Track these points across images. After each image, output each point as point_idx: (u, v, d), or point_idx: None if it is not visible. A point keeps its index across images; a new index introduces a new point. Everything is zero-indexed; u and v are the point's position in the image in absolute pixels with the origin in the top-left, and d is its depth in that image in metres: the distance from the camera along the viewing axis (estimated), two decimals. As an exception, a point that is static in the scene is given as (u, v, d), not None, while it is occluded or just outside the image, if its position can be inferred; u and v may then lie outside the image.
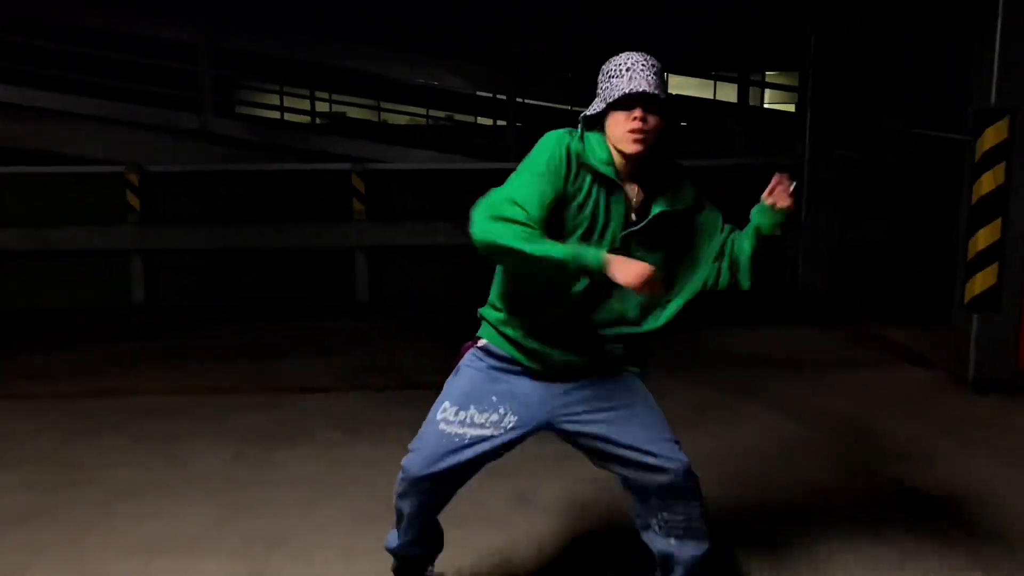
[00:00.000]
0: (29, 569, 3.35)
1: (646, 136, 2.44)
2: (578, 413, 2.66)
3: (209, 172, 8.72)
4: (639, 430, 2.65)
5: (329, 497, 3.98)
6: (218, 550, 3.48)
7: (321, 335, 7.49)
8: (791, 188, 2.56)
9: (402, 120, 16.41)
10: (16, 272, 8.39)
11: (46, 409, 5.36)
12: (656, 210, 2.57)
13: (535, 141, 2.56)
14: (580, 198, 2.51)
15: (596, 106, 2.50)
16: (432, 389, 2.81)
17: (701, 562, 2.77)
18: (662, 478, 2.65)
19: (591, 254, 2.37)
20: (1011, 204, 5.29)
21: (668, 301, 2.71)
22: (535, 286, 2.57)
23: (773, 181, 2.57)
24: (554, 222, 2.48)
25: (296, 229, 8.52)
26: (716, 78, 14.63)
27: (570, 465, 3.75)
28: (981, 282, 5.36)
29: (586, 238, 2.52)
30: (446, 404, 2.65)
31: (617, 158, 2.53)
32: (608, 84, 2.47)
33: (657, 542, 2.79)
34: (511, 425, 2.64)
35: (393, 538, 2.93)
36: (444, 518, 2.90)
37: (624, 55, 2.50)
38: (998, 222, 5.30)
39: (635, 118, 2.42)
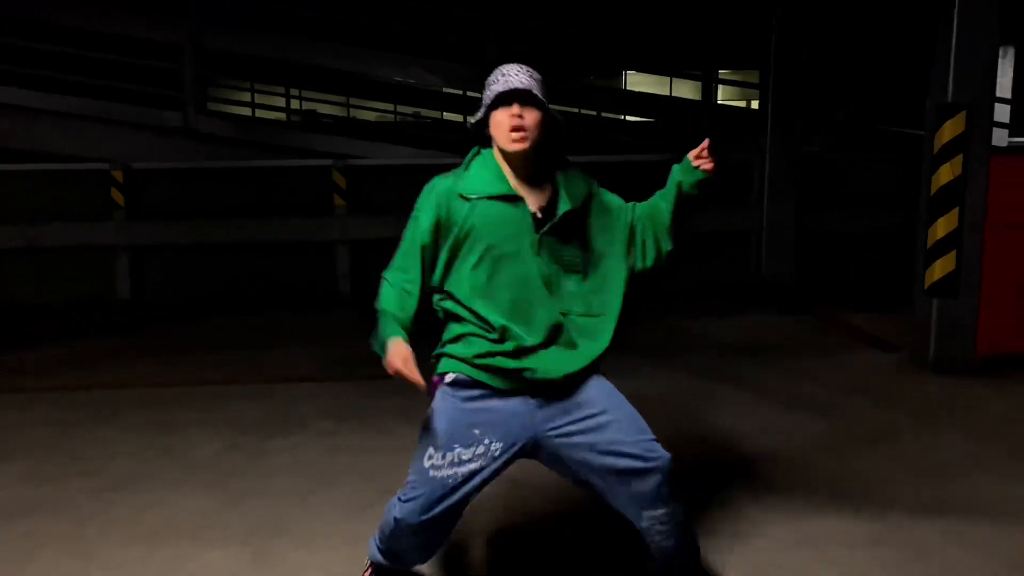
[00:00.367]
0: (33, 560, 3.27)
1: (526, 133, 2.52)
2: (559, 426, 2.60)
3: (193, 169, 8.60)
4: (619, 433, 2.59)
5: (326, 484, 3.93)
6: (220, 538, 3.42)
7: (305, 326, 7.43)
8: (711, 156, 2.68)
9: (370, 116, 16.30)
10: (1, 269, 8.24)
11: (39, 402, 5.26)
12: (563, 209, 2.62)
13: None
14: (474, 223, 2.58)
15: (479, 113, 2.60)
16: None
17: (692, 554, 2.79)
18: (647, 481, 2.58)
19: (380, 341, 2.60)
20: (968, 194, 5.34)
21: (601, 318, 2.76)
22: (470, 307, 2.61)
23: (702, 145, 2.69)
24: (455, 253, 2.61)
25: (279, 224, 8.43)
26: (682, 76, 14.72)
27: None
28: (940, 269, 5.42)
29: (500, 253, 2.58)
30: (430, 451, 2.58)
31: (507, 169, 2.61)
32: (488, 92, 2.57)
33: (651, 541, 2.75)
34: (497, 452, 2.58)
35: (376, 552, 2.86)
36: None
37: (504, 66, 2.60)
38: (956, 211, 5.36)
39: (513, 115, 2.50)
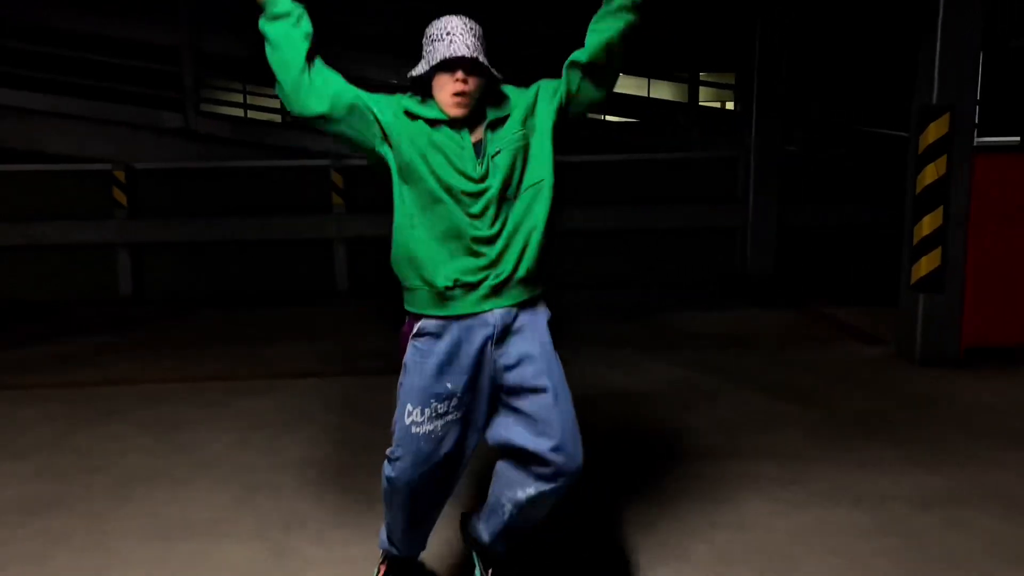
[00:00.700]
0: (52, 557, 3.20)
1: (468, 98, 2.43)
2: (512, 365, 2.49)
3: (193, 169, 8.50)
4: (556, 411, 2.48)
5: (338, 479, 3.87)
6: (237, 533, 3.35)
7: (305, 322, 7.35)
8: None
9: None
10: (5, 266, 8.11)
11: (47, 398, 5.16)
12: (489, 119, 2.50)
13: None
14: (409, 139, 2.46)
15: (420, 68, 2.46)
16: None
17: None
18: (547, 466, 2.48)
19: None
20: (952, 193, 5.34)
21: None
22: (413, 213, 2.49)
23: None
24: (400, 161, 2.48)
25: (277, 222, 8.35)
26: (669, 79, 14.69)
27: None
28: (926, 265, 5.41)
29: (444, 174, 2.44)
30: (408, 407, 2.50)
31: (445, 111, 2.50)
32: (431, 48, 2.43)
33: (490, 522, 2.69)
34: (470, 399, 2.52)
35: (385, 540, 2.80)
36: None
37: (445, 19, 2.46)
38: (940, 209, 5.35)
39: (457, 79, 2.40)
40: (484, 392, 2.55)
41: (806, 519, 3.38)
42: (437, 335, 2.50)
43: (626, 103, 11.69)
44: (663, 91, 18.07)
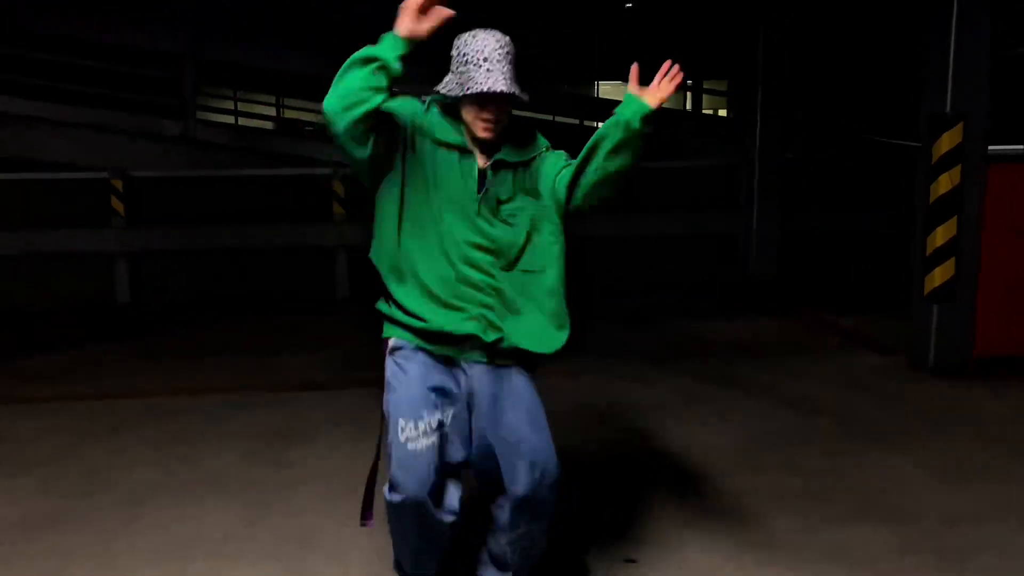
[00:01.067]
0: (62, 574, 3.10)
1: (498, 124, 2.39)
2: (485, 395, 2.53)
3: (192, 177, 8.41)
4: (524, 419, 2.52)
5: (350, 494, 3.74)
6: (250, 551, 3.26)
7: (307, 331, 7.25)
8: (673, 75, 2.42)
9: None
10: (2, 275, 7.99)
11: (48, 412, 5.05)
12: (498, 157, 2.47)
13: None
14: (422, 154, 2.44)
15: (451, 88, 2.39)
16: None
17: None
18: (531, 483, 2.48)
19: (384, 39, 2.27)
20: (966, 203, 5.29)
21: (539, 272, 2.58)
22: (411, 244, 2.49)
23: (665, 67, 2.44)
24: (401, 169, 2.45)
25: (278, 230, 8.26)
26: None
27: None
28: (940, 276, 5.36)
29: (435, 194, 2.44)
30: (401, 423, 2.45)
31: (467, 131, 2.46)
32: (465, 71, 2.35)
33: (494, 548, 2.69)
34: (456, 410, 2.52)
35: (395, 567, 2.75)
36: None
37: (481, 40, 2.36)
38: (954, 220, 5.31)
39: (490, 112, 2.36)
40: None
41: (836, 536, 3.31)
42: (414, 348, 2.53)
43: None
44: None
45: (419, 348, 2.54)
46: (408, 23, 2.25)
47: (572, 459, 4.13)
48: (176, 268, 8.27)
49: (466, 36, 2.39)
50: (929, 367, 5.45)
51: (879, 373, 5.59)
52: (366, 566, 3.13)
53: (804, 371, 5.67)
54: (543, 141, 2.60)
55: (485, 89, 2.30)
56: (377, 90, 2.26)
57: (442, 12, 2.25)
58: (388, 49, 2.26)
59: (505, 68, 2.33)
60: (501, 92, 2.31)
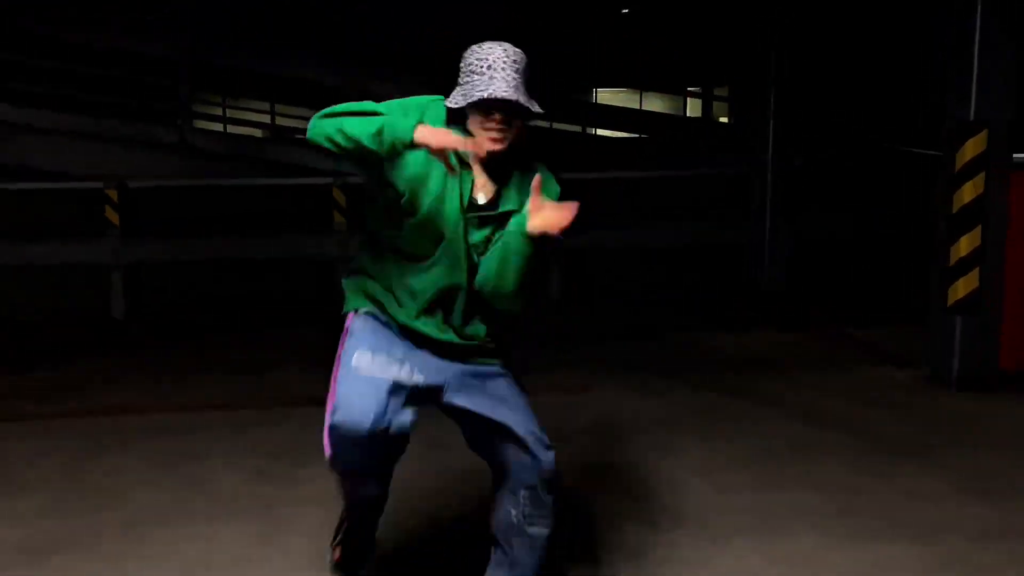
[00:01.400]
0: (70, 601, 3.10)
1: (505, 136, 2.36)
2: (468, 386, 2.57)
3: (189, 187, 8.43)
4: (520, 414, 2.56)
5: (364, 514, 3.77)
6: (266, 572, 3.26)
7: (309, 346, 7.20)
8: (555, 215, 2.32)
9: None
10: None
11: (45, 429, 5.04)
12: (504, 207, 2.47)
13: None
14: (423, 161, 2.41)
15: (456, 100, 2.38)
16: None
17: (542, 543, 2.67)
18: (536, 464, 2.54)
19: (403, 125, 2.25)
20: (990, 212, 5.31)
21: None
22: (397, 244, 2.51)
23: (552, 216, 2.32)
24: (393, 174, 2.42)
25: (277, 241, 8.27)
26: (687, 94, 14.83)
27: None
28: (964, 287, 5.38)
29: (420, 205, 2.43)
30: (357, 353, 2.45)
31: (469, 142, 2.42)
32: (469, 80, 2.34)
33: (506, 520, 2.67)
34: (416, 379, 2.50)
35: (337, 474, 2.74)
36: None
37: (487, 48, 2.36)
38: (978, 229, 5.33)
39: (494, 121, 2.33)
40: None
41: (864, 554, 3.32)
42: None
43: (640, 119, 11.75)
44: (654, 104, 18.13)
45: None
46: (429, 140, 2.25)
47: (591, 476, 4.16)
48: (173, 280, 8.28)
49: (473, 47, 2.39)
50: (952, 380, 5.46)
51: (900, 386, 5.61)
52: (384, 588, 3.13)
53: (822, 384, 5.68)
54: (555, 186, 2.54)
55: (487, 94, 2.28)
56: (372, 151, 2.30)
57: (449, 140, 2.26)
58: (402, 132, 2.25)
59: (510, 75, 2.31)
60: (503, 99, 2.29)
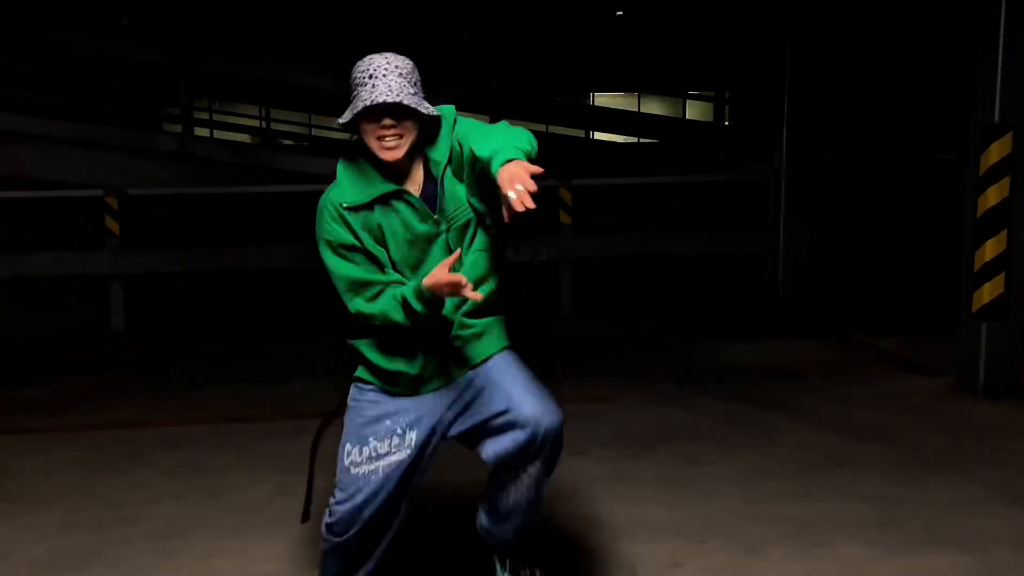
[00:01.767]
0: (103, 616, 3.12)
1: (400, 142, 2.40)
2: (460, 414, 2.63)
3: (191, 195, 8.45)
4: (497, 395, 2.54)
5: (395, 526, 3.80)
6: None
7: (316, 358, 7.25)
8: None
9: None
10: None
11: (57, 443, 5.06)
12: (450, 189, 2.51)
13: None
14: (374, 227, 2.51)
15: (344, 117, 2.43)
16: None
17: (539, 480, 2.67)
18: (520, 434, 2.50)
19: (412, 292, 2.42)
20: (1016, 216, 5.38)
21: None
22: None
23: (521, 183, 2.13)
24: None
25: (281, 251, 8.28)
26: (694, 97, 14.93)
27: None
28: (989, 292, 5.44)
29: (401, 248, 2.52)
30: (347, 447, 2.62)
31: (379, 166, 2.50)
32: (355, 94, 2.39)
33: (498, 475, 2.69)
34: (414, 440, 2.59)
35: None
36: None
37: (367, 60, 2.41)
38: (1004, 233, 5.39)
39: (382, 126, 2.37)
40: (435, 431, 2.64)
41: (910, 564, 3.36)
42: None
43: (652, 123, 11.83)
44: (652, 107, 18.26)
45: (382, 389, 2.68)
46: (440, 287, 2.36)
47: (616, 485, 4.19)
48: (174, 292, 8.28)
49: (357, 62, 2.44)
50: (979, 388, 5.52)
51: (927, 396, 5.66)
52: (424, 601, 3.16)
53: (848, 395, 5.73)
54: (448, 123, 2.53)
55: (370, 102, 2.32)
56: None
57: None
58: (414, 298, 2.43)
59: (393, 80, 2.35)
60: (383, 103, 2.32)
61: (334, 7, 10.30)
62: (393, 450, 2.58)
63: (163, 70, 9.67)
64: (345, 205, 2.49)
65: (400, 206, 2.50)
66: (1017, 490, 4.05)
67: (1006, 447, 4.65)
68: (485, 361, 2.61)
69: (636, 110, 16.31)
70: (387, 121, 2.37)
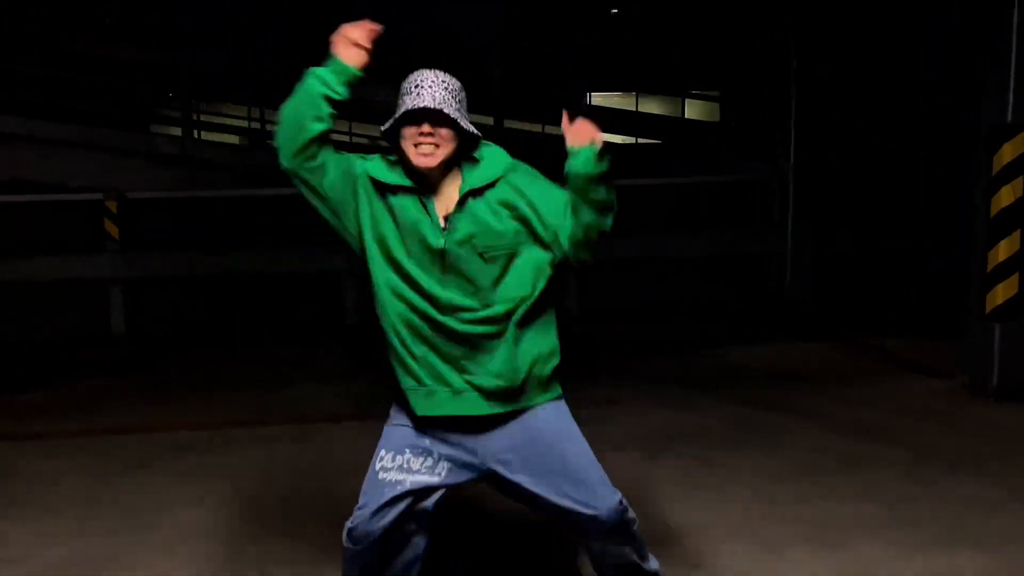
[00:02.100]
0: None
1: (434, 151, 2.45)
2: (508, 461, 2.62)
3: (191, 198, 8.51)
4: (561, 480, 2.60)
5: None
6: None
7: (319, 362, 7.34)
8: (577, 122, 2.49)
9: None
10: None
11: (64, 449, 5.12)
12: (463, 231, 2.51)
13: None
14: (378, 206, 2.53)
15: (388, 123, 2.51)
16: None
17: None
18: (594, 523, 2.62)
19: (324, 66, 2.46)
20: (1029, 215, 5.47)
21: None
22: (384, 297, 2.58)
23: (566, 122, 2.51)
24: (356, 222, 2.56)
25: (281, 254, 8.35)
26: (695, 97, 15.00)
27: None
28: (1002, 293, 5.52)
29: (391, 242, 2.53)
30: (382, 452, 2.64)
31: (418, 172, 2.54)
32: (400, 102, 2.48)
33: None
34: (444, 471, 2.62)
35: None
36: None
37: (418, 72, 2.50)
38: (1017, 234, 5.48)
39: (421, 132, 2.44)
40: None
41: (930, 564, 3.44)
42: None
43: (654, 123, 11.89)
44: (650, 107, 18.34)
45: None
46: (342, 53, 2.44)
47: (629, 486, 4.21)
48: (174, 296, 8.34)
49: (408, 75, 2.53)
50: (991, 390, 5.60)
51: (938, 397, 5.74)
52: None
53: (858, 397, 5.81)
54: (501, 157, 2.60)
55: (412, 106, 2.43)
56: (317, 118, 2.46)
57: (368, 29, 2.43)
58: (326, 73, 2.45)
59: (439, 92, 2.44)
60: (426, 107, 2.41)
61: (334, 7, 10.35)
62: (423, 471, 2.61)
63: (160, 71, 9.73)
64: (371, 174, 2.54)
65: (413, 207, 2.53)
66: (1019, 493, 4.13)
67: (1021, 449, 4.73)
68: (536, 409, 2.64)
69: (634, 109, 16.45)
70: (426, 127, 2.44)
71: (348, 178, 2.54)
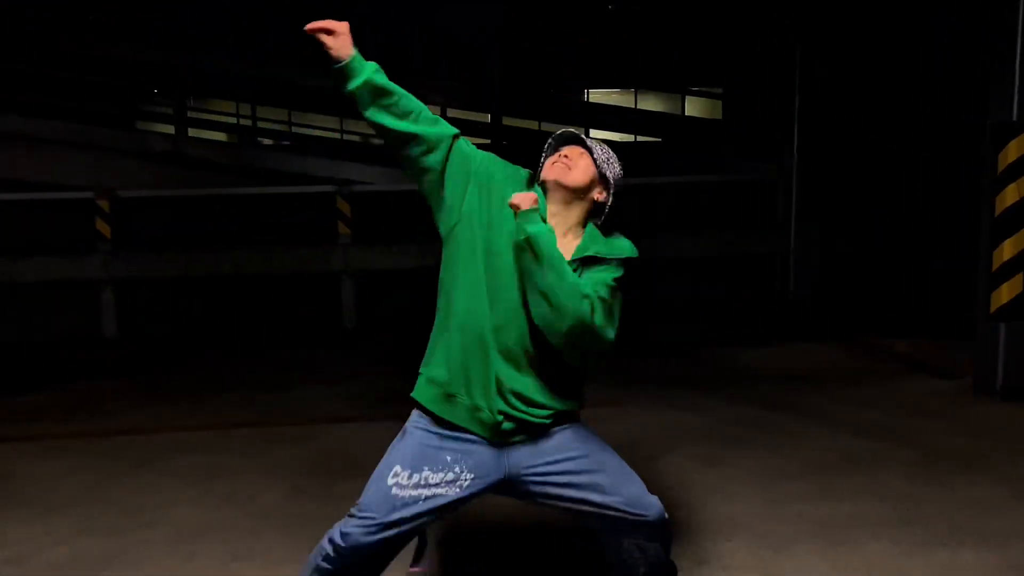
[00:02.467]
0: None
1: (568, 170, 2.60)
2: (534, 466, 2.65)
3: (185, 197, 8.57)
4: (607, 486, 2.67)
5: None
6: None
7: (317, 364, 7.42)
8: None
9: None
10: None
11: (65, 449, 5.19)
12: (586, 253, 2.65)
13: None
14: (486, 196, 2.62)
15: (541, 162, 2.69)
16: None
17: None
18: (643, 526, 2.71)
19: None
20: (1034, 214, 5.57)
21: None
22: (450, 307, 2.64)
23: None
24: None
25: (277, 254, 8.42)
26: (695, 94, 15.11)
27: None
28: (1007, 292, 5.62)
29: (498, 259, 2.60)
30: (397, 468, 2.58)
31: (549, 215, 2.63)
32: (545, 153, 2.69)
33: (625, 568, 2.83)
34: (467, 482, 2.61)
35: None
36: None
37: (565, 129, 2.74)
38: (1022, 232, 5.58)
39: (561, 154, 2.63)
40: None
41: (935, 561, 3.53)
42: None
43: (653, 120, 11.97)
44: (649, 105, 18.43)
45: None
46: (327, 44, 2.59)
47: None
48: (167, 297, 8.40)
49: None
50: (997, 390, 5.70)
51: (944, 397, 5.84)
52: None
53: (865, 397, 5.91)
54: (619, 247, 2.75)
55: (557, 133, 2.68)
56: (384, 108, 2.60)
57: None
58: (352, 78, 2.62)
59: (589, 139, 2.67)
60: (565, 132, 2.67)
61: (334, 7, 10.43)
62: (442, 485, 2.59)
63: (155, 70, 9.79)
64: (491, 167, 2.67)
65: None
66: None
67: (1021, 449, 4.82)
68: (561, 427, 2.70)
69: (633, 106, 16.53)
70: (566, 150, 2.65)
71: (466, 166, 2.64)
